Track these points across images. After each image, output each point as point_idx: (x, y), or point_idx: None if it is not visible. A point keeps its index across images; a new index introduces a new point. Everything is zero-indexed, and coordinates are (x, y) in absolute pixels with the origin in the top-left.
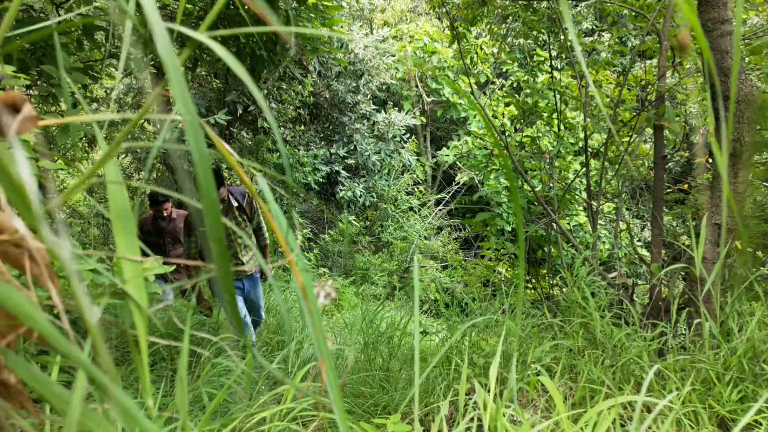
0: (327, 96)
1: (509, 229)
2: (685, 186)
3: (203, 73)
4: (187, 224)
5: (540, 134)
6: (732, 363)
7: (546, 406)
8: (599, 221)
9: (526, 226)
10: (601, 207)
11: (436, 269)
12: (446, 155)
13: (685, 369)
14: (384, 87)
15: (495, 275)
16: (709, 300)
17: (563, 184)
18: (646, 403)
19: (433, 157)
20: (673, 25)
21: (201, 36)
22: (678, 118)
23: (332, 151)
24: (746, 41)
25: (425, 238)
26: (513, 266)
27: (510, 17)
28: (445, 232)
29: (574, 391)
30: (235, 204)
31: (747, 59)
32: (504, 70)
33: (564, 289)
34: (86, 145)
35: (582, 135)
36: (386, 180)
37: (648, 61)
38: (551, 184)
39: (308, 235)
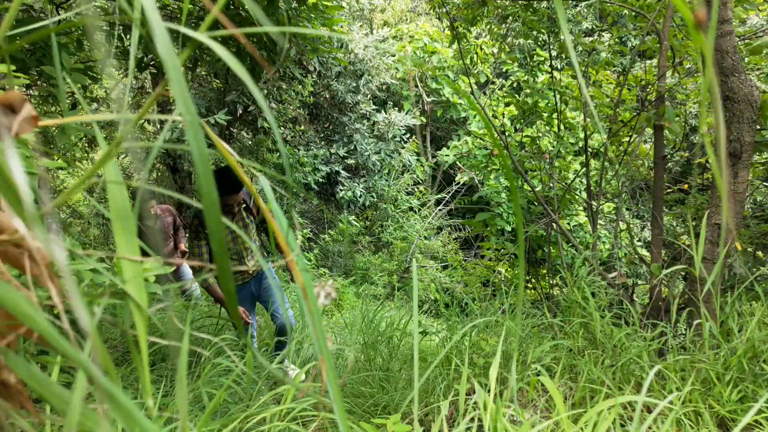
0: (327, 96)
1: (509, 229)
2: (685, 186)
3: (203, 73)
4: (198, 224)
5: (540, 134)
6: (732, 363)
7: (546, 406)
8: (599, 221)
9: (526, 226)
10: (601, 207)
11: (436, 269)
12: (446, 155)
13: (685, 369)
14: (384, 87)
15: (495, 275)
16: (709, 300)
17: (563, 184)
18: (646, 403)
19: (433, 157)
20: (673, 25)
21: (201, 36)
22: (678, 118)
23: (332, 151)
24: (746, 41)
25: (425, 238)
26: (513, 266)
27: (510, 17)
28: (445, 232)
29: (574, 391)
30: (243, 204)
31: (747, 59)
32: (504, 70)
33: (564, 289)
34: (86, 145)
35: (582, 135)
36: (386, 180)
37: (648, 61)
38: (551, 184)
39: (308, 235)
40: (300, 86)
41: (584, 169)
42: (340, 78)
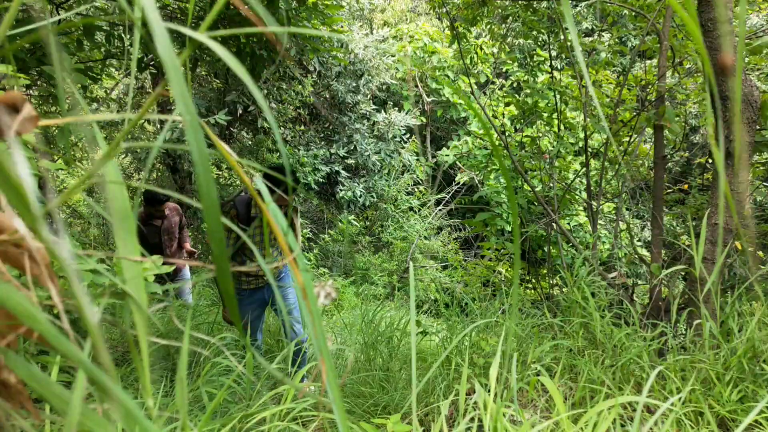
0: (327, 96)
1: (509, 229)
2: (685, 186)
3: (203, 73)
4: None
5: (540, 134)
6: (732, 363)
7: (546, 406)
8: (599, 221)
9: (526, 226)
10: (601, 207)
11: (436, 269)
12: (446, 155)
13: (685, 369)
14: (384, 87)
15: (495, 275)
16: (709, 300)
17: (563, 184)
18: (646, 403)
19: (433, 157)
20: (673, 25)
21: (201, 36)
22: (678, 118)
23: (332, 151)
24: (746, 41)
25: (425, 238)
26: (513, 266)
27: (510, 17)
28: (445, 232)
29: (574, 391)
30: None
31: (747, 59)
32: (504, 70)
33: (564, 289)
34: (86, 145)
35: (582, 135)
36: (386, 180)
37: (648, 61)
38: (551, 184)
39: (308, 235)
40: (300, 86)
41: (584, 169)
42: (340, 78)
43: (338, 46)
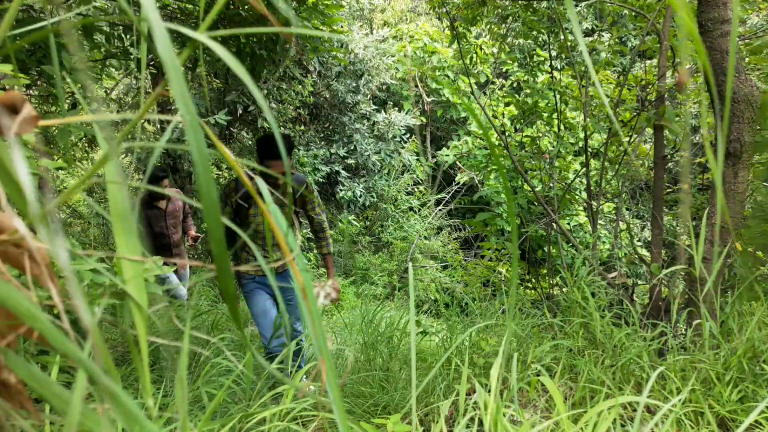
0: (327, 96)
1: (509, 229)
2: (686, 186)
3: (203, 73)
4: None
5: (540, 134)
6: (732, 363)
7: (546, 406)
8: (599, 221)
9: (526, 226)
10: (601, 207)
11: (436, 269)
12: (446, 155)
13: (685, 369)
14: (384, 87)
15: (495, 275)
16: (709, 300)
17: (563, 184)
18: (646, 403)
19: (433, 157)
20: (673, 25)
21: (201, 36)
22: (678, 118)
23: (332, 151)
24: (746, 41)
25: (425, 238)
26: (513, 266)
27: (510, 17)
28: (445, 232)
29: (574, 391)
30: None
31: (747, 59)
32: (504, 70)
33: (564, 289)
34: (86, 145)
35: (582, 135)
36: (386, 180)
37: (648, 61)
38: (551, 184)
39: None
40: (300, 86)
41: (584, 169)
42: (340, 78)
43: (338, 46)
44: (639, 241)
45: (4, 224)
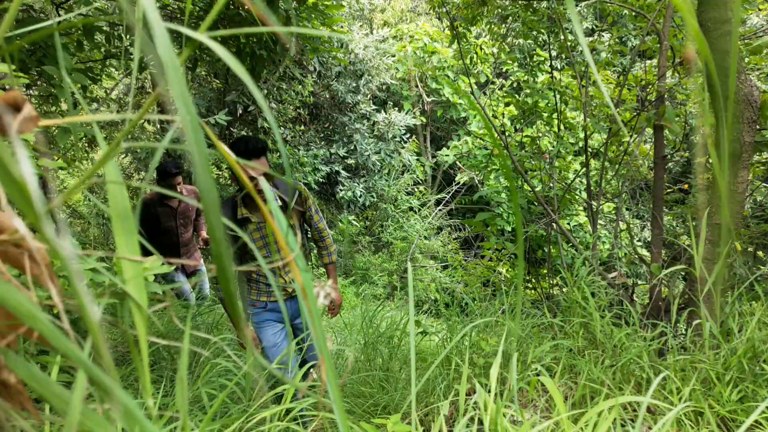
0: (327, 96)
1: (509, 229)
2: (685, 186)
3: (203, 73)
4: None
5: (540, 134)
6: (732, 363)
7: (546, 406)
8: (599, 221)
9: (526, 226)
10: (601, 207)
11: (436, 269)
12: (446, 155)
13: (685, 369)
14: (384, 87)
15: (495, 275)
16: (709, 300)
17: (563, 184)
18: (646, 404)
19: (433, 157)
20: (673, 25)
21: (201, 36)
22: (678, 118)
23: (332, 151)
24: (746, 41)
25: (425, 238)
26: (513, 266)
27: (510, 17)
28: (445, 232)
29: (574, 391)
30: (280, 204)
31: (747, 59)
32: (504, 70)
33: (564, 289)
34: (86, 145)
35: (582, 135)
36: (386, 180)
37: (648, 61)
38: (551, 184)
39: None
40: (300, 86)
41: (584, 169)
42: (340, 78)
43: (338, 46)
44: (639, 241)
45: (4, 224)
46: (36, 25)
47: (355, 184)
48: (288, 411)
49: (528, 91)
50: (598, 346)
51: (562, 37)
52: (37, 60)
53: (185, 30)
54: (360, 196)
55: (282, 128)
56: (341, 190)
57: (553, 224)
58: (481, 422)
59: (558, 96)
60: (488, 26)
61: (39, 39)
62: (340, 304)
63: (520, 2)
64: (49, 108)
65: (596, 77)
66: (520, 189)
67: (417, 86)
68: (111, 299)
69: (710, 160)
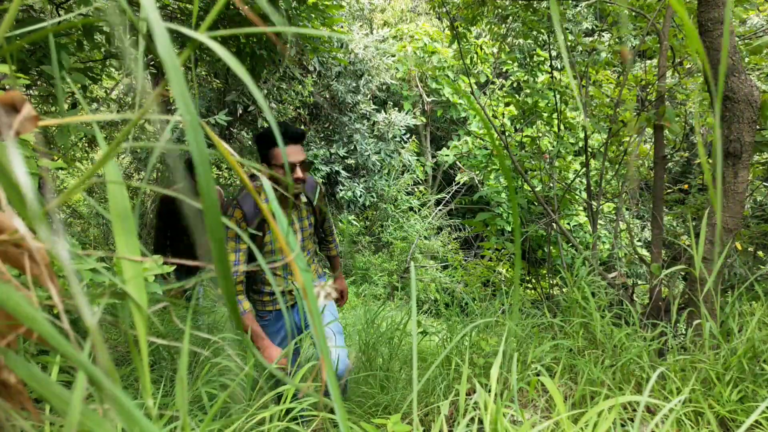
0: (327, 96)
1: (509, 229)
2: (685, 186)
3: (203, 73)
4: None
5: (540, 134)
6: (732, 363)
7: (546, 406)
8: (599, 221)
9: (526, 226)
10: (601, 207)
11: (436, 269)
12: (446, 155)
13: (685, 369)
14: (384, 87)
15: (495, 275)
16: (709, 300)
17: (563, 184)
18: (646, 403)
19: (433, 157)
20: (673, 25)
21: (201, 36)
22: (678, 118)
23: (332, 151)
24: (746, 41)
25: (425, 238)
26: (513, 266)
27: (510, 17)
28: (445, 232)
29: (574, 391)
30: (304, 199)
31: (747, 59)
32: (504, 70)
33: (564, 289)
34: (86, 145)
35: (582, 135)
36: (386, 180)
37: (648, 61)
38: (551, 184)
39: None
40: (300, 86)
41: (584, 169)
42: (340, 78)
43: (338, 46)
44: (639, 241)
45: (4, 224)
46: (36, 26)
47: (355, 184)
48: (288, 411)
49: (528, 91)
50: (598, 346)
51: (562, 37)
52: (37, 60)
53: (185, 30)
54: (360, 196)
55: None
56: (341, 190)
57: (553, 224)
58: (481, 422)
59: (558, 96)
60: (488, 26)
61: (39, 39)
62: (346, 291)
63: (520, 2)
64: (49, 108)
65: (572, 82)
66: (520, 189)
67: (417, 86)
68: (111, 299)
69: (709, 160)
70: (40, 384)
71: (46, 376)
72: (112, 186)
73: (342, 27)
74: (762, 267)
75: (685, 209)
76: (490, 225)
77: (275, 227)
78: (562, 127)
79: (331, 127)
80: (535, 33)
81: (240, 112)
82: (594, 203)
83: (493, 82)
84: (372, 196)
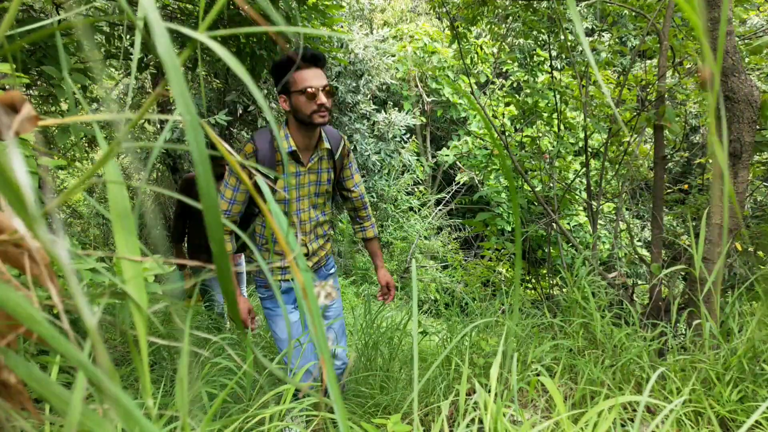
0: None
1: (509, 229)
2: (685, 186)
3: (203, 73)
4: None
5: (540, 134)
6: (732, 363)
7: (546, 406)
8: (599, 221)
9: (526, 226)
10: (601, 207)
11: (436, 269)
12: (446, 155)
13: (685, 369)
14: (384, 87)
15: (495, 275)
16: (709, 300)
17: (563, 184)
18: (646, 403)
19: (433, 157)
20: (673, 25)
21: (201, 36)
22: (678, 118)
23: None
24: (746, 41)
25: (425, 238)
26: (513, 266)
27: (510, 17)
28: (445, 232)
29: (574, 391)
30: (327, 145)
31: (747, 59)
32: (504, 70)
33: (564, 289)
34: (86, 145)
35: (582, 135)
36: (386, 180)
37: (648, 61)
38: (551, 184)
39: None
40: None
41: (584, 169)
42: (340, 78)
43: (338, 46)
44: (639, 241)
45: (4, 224)
46: (36, 24)
47: None
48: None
49: (528, 91)
50: (598, 346)
51: (562, 37)
52: (37, 60)
53: (185, 30)
54: None
55: None
56: None
57: (553, 224)
58: (481, 422)
59: (558, 96)
60: (488, 26)
61: (39, 39)
62: (393, 287)
63: (520, 2)
64: (49, 108)
65: (597, 77)
66: (520, 189)
67: (417, 86)
68: (111, 299)
69: (710, 160)
70: (40, 384)
71: (46, 376)
72: (112, 186)
73: (342, 27)
74: (762, 267)
75: (685, 209)
76: (490, 225)
77: (269, 216)
78: (562, 127)
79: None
80: (535, 33)
81: (240, 112)
82: (594, 203)
83: (493, 82)
84: (372, 196)
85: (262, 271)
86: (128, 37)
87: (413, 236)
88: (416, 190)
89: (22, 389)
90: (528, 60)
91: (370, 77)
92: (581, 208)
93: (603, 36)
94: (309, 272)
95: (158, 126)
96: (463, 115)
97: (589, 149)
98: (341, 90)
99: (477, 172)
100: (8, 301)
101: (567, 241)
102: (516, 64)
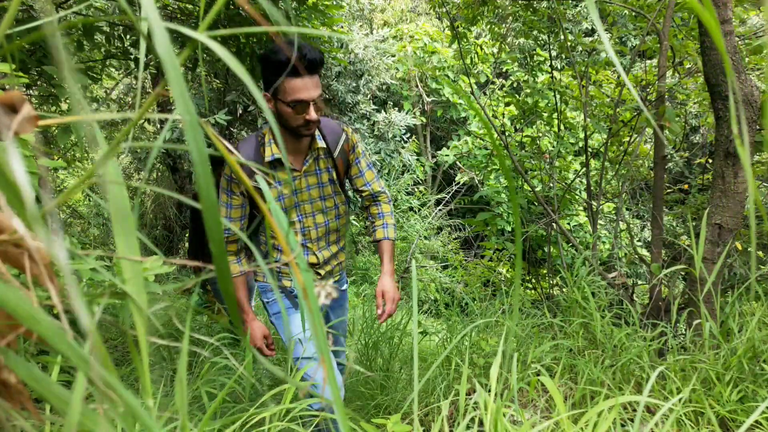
0: (327, 96)
1: (510, 229)
2: (685, 186)
3: (203, 73)
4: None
5: (540, 134)
6: (732, 363)
7: (546, 406)
8: (599, 221)
9: (526, 226)
10: (601, 207)
11: (436, 269)
12: (446, 155)
13: (685, 369)
14: (384, 87)
15: (495, 275)
16: (709, 300)
17: (563, 184)
18: (646, 403)
19: (433, 157)
20: (673, 25)
21: (200, 36)
22: (678, 118)
23: None
24: (746, 41)
25: (425, 238)
26: (513, 266)
27: (510, 17)
28: (445, 232)
29: (574, 391)
30: (322, 144)
31: (747, 59)
32: (504, 70)
33: (564, 289)
34: (86, 144)
35: (582, 135)
36: (386, 180)
37: (648, 61)
38: (551, 184)
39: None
40: None
41: (584, 169)
42: (340, 78)
43: (338, 46)
44: (639, 241)
45: (4, 224)
46: (34, 23)
47: None
48: (288, 411)
49: (528, 91)
50: (598, 346)
51: (562, 37)
52: (37, 60)
53: (185, 30)
54: None
55: None
56: None
57: (553, 224)
58: (481, 422)
59: (558, 96)
60: (488, 26)
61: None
62: (398, 300)
63: (520, 2)
64: (49, 108)
65: (625, 80)
66: (520, 189)
67: (417, 86)
68: (111, 299)
69: (710, 160)
70: (40, 384)
71: (46, 376)
72: (112, 186)
73: (342, 27)
74: (762, 267)
75: (685, 209)
76: (490, 225)
77: (269, 216)
78: (562, 127)
79: None
80: (535, 33)
81: (240, 112)
82: (594, 203)
83: (493, 82)
84: None
85: (266, 275)
86: (128, 37)
87: (413, 236)
88: (416, 190)
89: (22, 389)
90: (528, 60)
91: (370, 77)
92: (581, 208)
93: None
94: (309, 272)
95: (158, 126)
96: (463, 115)
97: (589, 149)
98: (341, 90)
99: (477, 172)
100: (8, 301)
101: (567, 241)
102: (516, 64)
